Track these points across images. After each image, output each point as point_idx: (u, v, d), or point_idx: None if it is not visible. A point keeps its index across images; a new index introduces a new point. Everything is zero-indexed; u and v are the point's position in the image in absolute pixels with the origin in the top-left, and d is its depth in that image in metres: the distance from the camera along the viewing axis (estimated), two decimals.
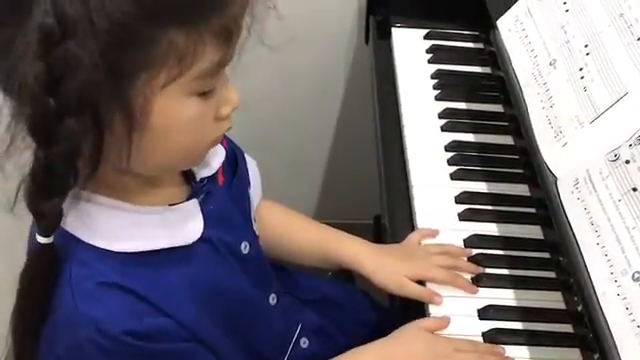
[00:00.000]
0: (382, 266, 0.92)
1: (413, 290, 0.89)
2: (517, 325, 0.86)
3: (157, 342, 0.69)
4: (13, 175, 0.62)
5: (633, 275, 0.69)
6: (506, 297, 0.89)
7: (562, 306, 0.88)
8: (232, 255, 0.79)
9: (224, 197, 0.80)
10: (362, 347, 0.85)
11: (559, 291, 0.89)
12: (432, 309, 0.87)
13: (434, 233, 0.95)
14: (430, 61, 1.23)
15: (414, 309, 0.89)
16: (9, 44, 0.57)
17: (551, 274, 0.91)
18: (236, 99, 0.69)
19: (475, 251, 0.93)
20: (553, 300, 0.88)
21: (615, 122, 0.80)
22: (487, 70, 1.22)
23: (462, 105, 1.14)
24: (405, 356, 0.83)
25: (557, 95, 0.89)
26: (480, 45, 1.26)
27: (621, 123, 0.79)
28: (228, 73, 0.68)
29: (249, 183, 0.89)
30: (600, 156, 0.79)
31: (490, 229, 0.96)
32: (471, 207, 0.98)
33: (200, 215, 0.74)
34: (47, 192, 0.62)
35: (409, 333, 0.85)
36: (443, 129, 1.10)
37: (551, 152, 0.86)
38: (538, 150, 0.87)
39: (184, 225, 0.73)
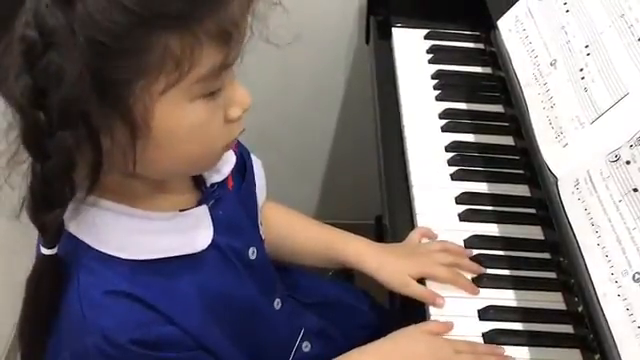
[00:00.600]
0: (385, 265, 0.92)
1: (416, 290, 0.90)
2: (517, 326, 0.86)
3: (164, 351, 0.68)
4: (19, 183, 0.61)
5: (634, 276, 0.69)
6: (506, 298, 0.89)
7: (562, 307, 0.88)
8: (240, 261, 0.78)
9: (233, 202, 0.79)
10: (362, 347, 0.85)
11: (559, 292, 0.89)
12: (432, 310, 0.87)
13: (432, 235, 0.96)
14: (430, 61, 1.23)
15: (414, 310, 0.89)
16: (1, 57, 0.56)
17: (551, 275, 0.91)
18: (246, 100, 0.67)
19: (475, 252, 0.93)
20: (553, 301, 0.88)
21: (616, 122, 0.80)
22: (487, 70, 1.21)
23: (462, 105, 1.14)
24: (405, 357, 0.83)
25: (558, 95, 0.89)
26: (481, 45, 1.26)
27: (622, 124, 0.79)
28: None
29: (255, 183, 0.88)
30: (601, 157, 0.79)
31: (490, 229, 0.96)
32: (471, 207, 0.98)
33: (210, 222, 0.73)
34: (46, 205, 0.61)
35: (410, 334, 0.85)
36: (443, 129, 1.10)
37: (551, 152, 0.86)
38: (538, 150, 0.87)
39: (194, 232, 0.72)
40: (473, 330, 0.85)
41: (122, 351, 0.66)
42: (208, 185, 0.77)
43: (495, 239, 0.95)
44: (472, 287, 0.89)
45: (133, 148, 0.61)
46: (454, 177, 1.03)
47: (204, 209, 0.74)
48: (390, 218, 1.02)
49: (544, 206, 0.87)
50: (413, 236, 0.96)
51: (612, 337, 0.68)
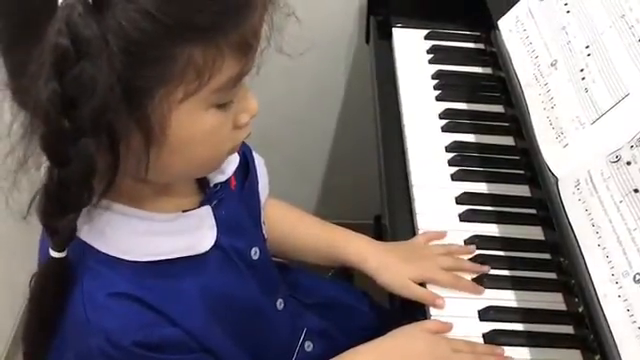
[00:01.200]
0: (387, 266, 0.92)
1: (416, 292, 0.90)
2: (518, 326, 0.86)
3: (167, 353, 0.68)
4: (25, 186, 0.61)
5: (634, 277, 0.69)
6: (507, 298, 0.89)
7: (563, 307, 0.88)
8: (242, 261, 0.78)
9: (236, 202, 0.79)
10: (361, 346, 0.85)
11: (560, 292, 0.89)
12: (433, 311, 0.87)
13: (440, 236, 0.95)
14: (431, 61, 1.23)
15: (414, 310, 0.89)
16: (24, 62, 0.56)
17: (552, 275, 0.91)
18: (255, 107, 0.68)
19: (476, 252, 0.93)
20: (554, 301, 0.88)
21: (616, 123, 0.80)
22: (488, 71, 1.21)
23: (463, 106, 1.14)
24: (403, 355, 0.83)
25: (558, 96, 0.89)
26: (481, 45, 1.26)
27: (622, 124, 0.79)
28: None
29: (258, 182, 0.88)
30: (601, 157, 0.78)
31: (491, 230, 0.96)
32: (472, 208, 0.98)
33: (213, 222, 0.74)
34: (61, 209, 0.61)
35: (409, 332, 0.85)
36: (444, 130, 1.10)
37: (552, 153, 0.86)
38: (539, 151, 0.87)
39: (197, 232, 0.72)
40: (473, 330, 0.85)
41: (125, 353, 0.66)
42: (211, 185, 0.77)
43: (495, 239, 0.95)
44: (475, 287, 0.89)
45: (147, 154, 0.61)
46: (454, 177, 1.02)
47: (207, 209, 0.74)
48: (390, 218, 1.01)
49: (544, 206, 0.87)
50: (419, 239, 0.95)
51: (612, 338, 0.68)
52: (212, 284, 0.73)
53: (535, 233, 0.96)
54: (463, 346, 0.83)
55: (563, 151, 0.84)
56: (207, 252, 0.72)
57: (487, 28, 1.15)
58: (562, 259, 0.88)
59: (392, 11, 1.31)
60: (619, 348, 0.67)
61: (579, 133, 0.84)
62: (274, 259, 0.92)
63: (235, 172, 0.80)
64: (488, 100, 1.16)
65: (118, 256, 0.67)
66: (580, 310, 0.82)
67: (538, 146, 0.88)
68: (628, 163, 0.76)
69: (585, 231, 0.76)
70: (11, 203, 0.62)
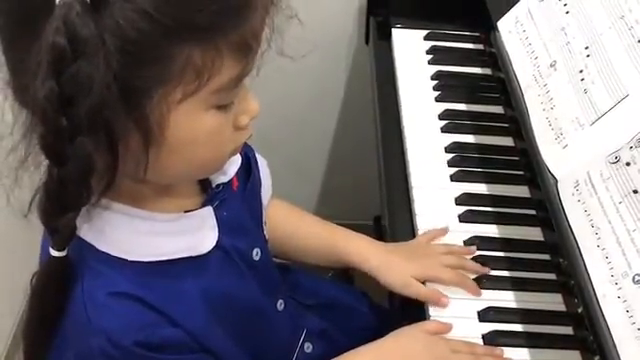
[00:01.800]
0: (389, 265, 0.92)
1: (419, 291, 0.90)
2: (517, 327, 0.86)
3: (168, 353, 0.68)
4: (27, 184, 0.61)
5: (633, 277, 0.69)
6: (506, 299, 0.89)
7: (562, 308, 0.88)
8: (244, 262, 0.78)
9: (238, 203, 0.79)
10: (360, 348, 0.85)
11: (559, 293, 0.89)
12: (432, 311, 0.87)
13: (442, 233, 0.95)
14: (430, 62, 1.23)
15: (414, 310, 0.89)
16: (24, 60, 0.56)
17: (551, 276, 0.91)
18: (256, 108, 0.68)
19: (475, 253, 0.93)
20: (553, 302, 0.88)
21: (615, 124, 0.80)
22: (487, 71, 1.21)
23: (462, 106, 1.14)
24: (403, 356, 0.84)
25: (557, 97, 0.89)
26: (480, 46, 1.26)
27: (621, 125, 0.79)
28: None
29: (261, 183, 0.88)
30: (601, 158, 0.79)
31: (490, 231, 0.96)
32: (471, 209, 0.98)
33: (215, 223, 0.73)
34: (61, 208, 0.61)
35: (408, 333, 0.85)
36: (443, 130, 1.10)
37: (551, 154, 0.86)
38: (538, 152, 0.87)
39: (199, 233, 0.72)
40: (473, 331, 0.85)
41: (126, 353, 0.66)
42: (214, 186, 0.77)
43: (495, 240, 0.95)
44: (476, 288, 0.89)
45: (146, 154, 0.61)
46: (454, 178, 1.03)
47: (209, 210, 0.74)
48: (390, 219, 1.01)
49: (544, 207, 0.87)
50: (420, 239, 0.95)
51: (612, 338, 0.68)
52: (213, 285, 0.73)
53: (534, 234, 0.96)
54: (462, 347, 0.83)
55: (562, 152, 0.84)
56: (208, 253, 0.72)
57: (486, 29, 1.15)
58: (561, 260, 0.88)
59: (391, 12, 1.31)
60: (618, 349, 0.67)
61: (578, 134, 0.84)
62: (275, 260, 0.93)
63: (237, 173, 0.80)
64: (487, 101, 1.16)
65: (119, 256, 0.67)
66: (579, 311, 0.82)
67: (537, 147, 0.88)
68: (627, 164, 0.76)
69: (584, 232, 0.76)
70: (12, 201, 0.62)
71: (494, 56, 1.12)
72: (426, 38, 1.27)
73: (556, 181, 0.83)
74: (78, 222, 0.64)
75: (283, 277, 0.93)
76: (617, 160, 0.77)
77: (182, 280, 0.70)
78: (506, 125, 1.11)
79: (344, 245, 0.97)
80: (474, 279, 0.90)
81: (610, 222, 0.74)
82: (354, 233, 0.99)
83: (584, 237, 0.75)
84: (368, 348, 0.85)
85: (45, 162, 0.60)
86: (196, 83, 0.60)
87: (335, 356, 0.84)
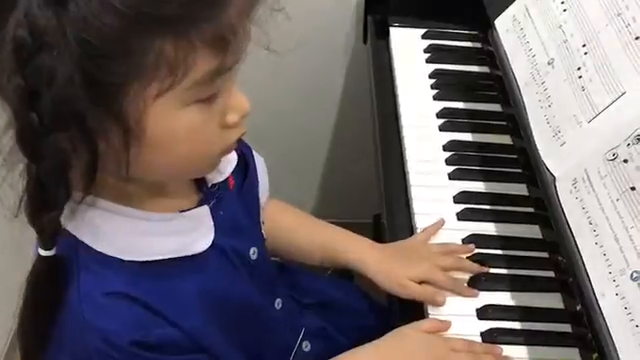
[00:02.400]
0: (386, 268, 0.92)
1: (415, 291, 0.90)
2: (516, 325, 0.86)
3: (165, 353, 0.68)
4: (17, 182, 0.61)
5: (631, 275, 0.69)
6: (505, 297, 0.89)
7: (561, 306, 0.88)
8: (241, 261, 0.78)
9: (234, 202, 0.79)
10: (359, 348, 0.85)
11: (558, 291, 0.89)
12: (431, 310, 0.87)
13: (439, 225, 0.95)
14: (428, 60, 1.23)
15: (413, 309, 0.89)
16: None
17: (550, 274, 0.91)
18: (244, 105, 0.66)
19: (474, 251, 0.93)
20: (552, 300, 0.88)
21: (613, 121, 0.80)
22: (485, 69, 1.21)
23: (460, 104, 1.14)
24: (401, 356, 0.84)
25: (555, 94, 0.89)
26: (478, 44, 1.26)
27: (619, 122, 0.79)
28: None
29: (258, 181, 0.88)
30: (598, 155, 0.79)
31: (489, 229, 0.96)
32: (469, 207, 0.98)
33: (211, 222, 0.73)
34: (43, 206, 0.61)
35: (406, 333, 0.85)
36: (441, 129, 1.10)
37: (549, 151, 0.86)
38: (536, 149, 0.87)
39: (195, 233, 0.72)
40: (471, 329, 0.85)
41: (123, 353, 0.65)
42: (209, 185, 0.77)
43: (493, 238, 0.95)
44: (470, 292, 0.89)
45: (127, 151, 0.60)
46: (452, 176, 1.03)
47: (205, 209, 0.74)
48: (388, 217, 1.02)
49: (542, 205, 0.87)
50: (419, 237, 0.95)
51: (610, 336, 0.68)
52: (210, 284, 0.73)
53: (533, 232, 0.96)
54: (461, 345, 0.83)
55: (560, 149, 0.84)
56: (205, 252, 0.72)
57: (484, 27, 1.15)
58: (560, 257, 0.88)
59: (389, 10, 1.31)
60: (617, 346, 0.67)
61: (576, 131, 0.84)
62: (273, 259, 0.93)
63: (234, 172, 0.80)
64: (485, 99, 1.16)
65: (115, 256, 0.67)
66: (578, 308, 0.82)
67: (535, 145, 0.88)
68: (625, 161, 0.76)
69: (582, 229, 0.76)
70: (3, 200, 0.62)
71: (492, 54, 1.12)
72: (424, 37, 1.27)
73: (554, 179, 0.83)
74: (72, 221, 0.64)
75: (282, 276, 0.93)
76: (615, 157, 0.77)
77: (178, 280, 0.70)
78: (504, 123, 1.11)
79: (343, 248, 0.97)
80: (472, 277, 0.90)
81: (608, 219, 0.74)
82: (353, 235, 0.99)
83: (582, 235, 0.76)
84: (367, 348, 0.85)
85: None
86: (171, 78, 0.58)
87: (334, 355, 0.85)
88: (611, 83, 0.82)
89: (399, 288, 0.91)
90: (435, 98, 1.15)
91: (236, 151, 0.81)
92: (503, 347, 0.83)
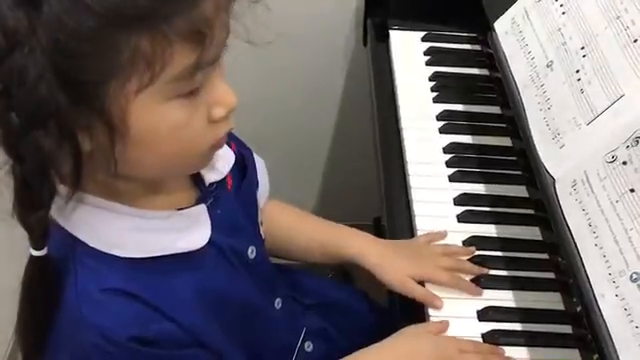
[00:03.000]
0: (387, 262, 0.93)
1: (414, 290, 0.90)
2: (516, 326, 0.86)
3: (163, 348, 0.68)
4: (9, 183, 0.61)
5: (631, 276, 0.69)
6: (505, 298, 0.89)
7: (561, 307, 0.88)
8: (239, 260, 0.78)
9: (232, 202, 0.79)
10: (365, 349, 0.85)
11: (558, 292, 0.89)
12: (432, 311, 0.88)
13: (442, 236, 0.96)
14: (428, 63, 1.23)
15: (414, 310, 0.89)
16: None
17: (550, 275, 0.91)
18: (230, 100, 0.66)
19: (474, 253, 0.94)
20: (552, 301, 0.89)
21: (612, 123, 0.80)
22: (485, 72, 1.22)
23: (460, 107, 1.14)
24: (411, 355, 0.84)
25: (554, 97, 0.90)
26: (478, 47, 1.27)
27: (618, 124, 0.79)
28: (224, 74, 0.66)
29: (257, 184, 0.88)
30: (598, 157, 0.79)
31: (489, 231, 0.97)
32: (470, 209, 0.99)
33: (208, 220, 0.73)
34: (30, 206, 0.61)
35: (414, 334, 0.85)
36: (441, 131, 1.10)
37: (549, 153, 0.86)
38: (536, 151, 0.88)
39: (191, 230, 0.72)
40: (472, 331, 0.85)
41: (121, 349, 0.66)
42: (207, 184, 0.77)
43: (493, 240, 0.95)
44: (474, 288, 0.89)
45: (112, 148, 0.61)
46: (452, 178, 1.03)
47: (202, 208, 0.74)
48: (389, 220, 1.02)
49: (542, 207, 0.87)
50: (420, 239, 0.96)
51: (610, 337, 0.69)
52: (207, 281, 0.73)
53: (533, 233, 0.96)
54: (469, 346, 0.83)
55: (560, 152, 0.85)
56: (202, 249, 0.72)
57: (484, 30, 1.15)
58: (560, 259, 0.88)
59: (389, 13, 1.31)
60: (617, 347, 0.68)
61: (575, 134, 0.84)
62: (275, 261, 0.93)
63: (232, 172, 0.80)
64: (485, 101, 1.16)
65: (111, 252, 0.67)
66: (578, 310, 0.82)
67: (535, 147, 0.88)
68: (624, 163, 0.76)
69: (582, 231, 0.76)
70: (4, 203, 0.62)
71: (491, 57, 1.12)
72: (424, 39, 1.27)
73: (554, 181, 0.83)
74: (67, 218, 0.65)
75: (283, 277, 0.93)
76: (614, 159, 0.77)
77: (175, 276, 0.70)
78: (504, 125, 1.11)
79: (344, 241, 0.97)
80: (473, 278, 0.91)
81: (607, 221, 0.74)
82: (354, 230, 0.99)
83: (582, 236, 0.76)
84: (371, 351, 0.85)
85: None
86: (149, 73, 0.58)
87: (335, 355, 0.85)
88: (610, 85, 0.83)
89: (399, 284, 0.91)
90: (435, 100, 1.16)
91: (233, 151, 0.81)
92: (504, 348, 0.83)
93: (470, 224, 0.97)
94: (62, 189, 0.63)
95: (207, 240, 0.73)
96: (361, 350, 0.85)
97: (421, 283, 0.91)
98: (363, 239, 0.97)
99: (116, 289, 0.67)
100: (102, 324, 0.66)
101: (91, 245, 0.68)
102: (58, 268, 0.67)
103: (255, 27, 0.67)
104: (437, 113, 1.13)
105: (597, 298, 0.71)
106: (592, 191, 0.77)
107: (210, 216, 0.74)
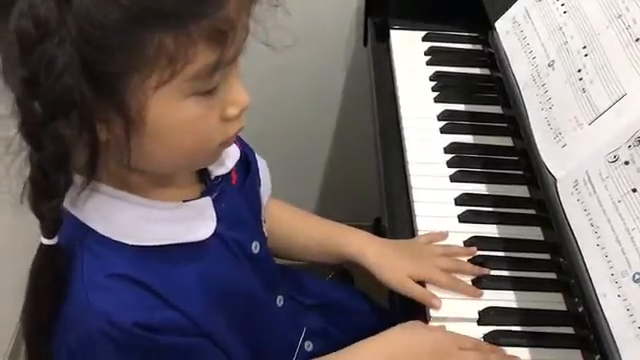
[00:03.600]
0: (386, 261, 0.93)
1: (413, 289, 0.90)
2: (518, 327, 0.86)
3: (167, 335, 0.68)
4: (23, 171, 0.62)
5: (633, 276, 0.69)
6: (507, 299, 0.89)
7: (563, 307, 0.88)
8: (243, 254, 0.79)
9: (237, 196, 0.80)
10: (363, 342, 0.84)
11: (560, 292, 0.89)
12: (432, 312, 0.87)
13: (442, 237, 0.96)
14: (429, 63, 1.23)
15: (414, 311, 0.89)
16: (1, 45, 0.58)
17: (552, 275, 0.91)
18: (244, 99, 0.67)
19: (476, 253, 0.93)
20: (554, 301, 0.88)
21: (614, 123, 0.80)
22: (486, 72, 1.22)
23: (461, 107, 1.14)
24: (406, 351, 0.83)
25: (556, 96, 0.89)
26: (479, 47, 1.26)
27: (620, 124, 0.79)
28: (241, 74, 0.67)
29: (260, 182, 0.89)
30: (599, 157, 0.79)
31: (490, 231, 0.96)
32: (471, 209, 0.98)
33: (213, 212, 0.74)
34: (45, 194, 0.62)
35: (413, 329, 0.85)
36: (442, 131, 1.10)
37: (550, 153, 0.86)
38: (537, 151, 0.87)
39: (197, 222, 0.73)
40: (474, 332, 0.85)
41: (126, 334, 0.66)
42: (212, 178, 0.78)
43: (495, 240, 0.95)
44: (474, 290, 0.89)
45: (128, 140, 0.62)
46: (453, 178, 1.03)
47: (208, 200, 0.75)
48: (389, 220, 1.02)
49: (543, 207, 0.87)
50: (420, 239, 0.96)
51: (612, 338, 0.68)
52: (212, 272, 0.73)
53: (534, 233, 0.96)
54: (468, 343, 0.83)
55: (561, 151, 0.84)
56: (207, 240, 0.73)
57: (485, 29, 1.15)
58: (562, 259, 0.88)
59: (390, 13, 1.31)
60: (619, 347, 0.67)
61: (577, 133, 0.84)
62: (276, 261, 0.93)
63: (236, 167, 0.81)
64: (486, 101, 1.16)
65: (119, 240, 0.68)
66: (580, 310, 0.82)
67: (536, 147, 0.88)
68: (626, 163, 0.76)
69: (584, 231, 0.76)
70: (9, 199, 0.63)
71: (492, 56, 1.12)
72: (424, 39, 1.27)
73: (555, 180, 0.83)
74: (78, 207, 0.66)
75: (283, 277, 0.93)
76: (616, 159, 0.77)
77: (181, 265, 0.71)
78: (505, 125, 1.11)
79: (344, 239, 0.97)
80: (474, 279, 0.91)
81: (609, 221, 0.74)
82: (353, 228, 0.99)
83: (584, 236, 0.76)
84: (368, 344, 0.84)
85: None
86: (170, 70, 0.60)
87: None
88: (612, 85, 0.83)
89: (397, 283, 0.91)
90: (436, 100, 1.16)
91: (238, 146, 0.82)
92: (505, 349, 0.83)
93: (471, 224, 0.97)
94: (77, 179, 0.64)
95: (212, 231, 0.73)
96: (357, 343, 0.85)
97: (421, 283, 0.91)
98: (362, 237, 0.97)
99: (122, 275, 0.67)
100: (108, 310, 0.66)
101: (100, 232, 0.68)
102: (67, 256, 0.68)
103: (258, 29, 0.68)
104: (438, 113, 1.13)
105: (599, 298, 0.71)
106: (594, 191, 0.77)
107: (215, 209, 0.75)
